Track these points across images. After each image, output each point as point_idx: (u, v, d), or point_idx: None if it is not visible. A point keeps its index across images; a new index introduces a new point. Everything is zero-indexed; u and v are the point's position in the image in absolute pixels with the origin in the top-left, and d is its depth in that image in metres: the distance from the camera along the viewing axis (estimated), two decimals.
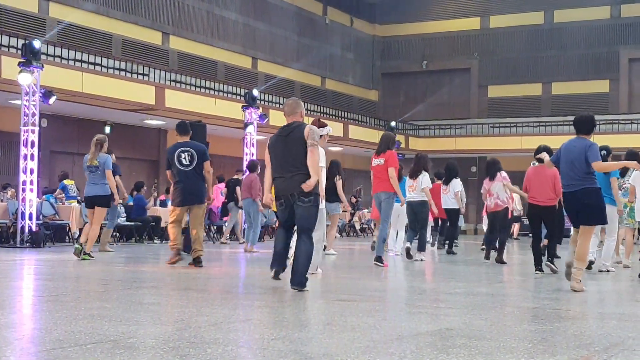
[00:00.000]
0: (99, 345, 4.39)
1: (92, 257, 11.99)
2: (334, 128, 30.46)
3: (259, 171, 15.68)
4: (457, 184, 16.16)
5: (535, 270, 10.66)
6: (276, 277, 8.00)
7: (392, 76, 39.66)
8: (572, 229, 8.63)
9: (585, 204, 8.22)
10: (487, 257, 13.28)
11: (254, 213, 15.46)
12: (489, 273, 11.43)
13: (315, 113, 30.18)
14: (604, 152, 10.49)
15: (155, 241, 18.52)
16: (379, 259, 11.42)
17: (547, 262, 10.83)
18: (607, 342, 4.89)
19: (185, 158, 10.79)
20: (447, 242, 16.03)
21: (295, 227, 7.74)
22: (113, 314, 5.65)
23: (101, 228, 13.30)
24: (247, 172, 16.12)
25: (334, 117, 31.32)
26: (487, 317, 6.05)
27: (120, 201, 14.09)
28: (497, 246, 13.09)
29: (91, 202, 12.16)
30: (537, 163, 11.01)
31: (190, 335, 4.80)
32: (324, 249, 15.01)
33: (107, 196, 12.15)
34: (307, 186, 7.39)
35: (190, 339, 4.66)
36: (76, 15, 23.96)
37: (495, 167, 13.39)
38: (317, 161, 7.48)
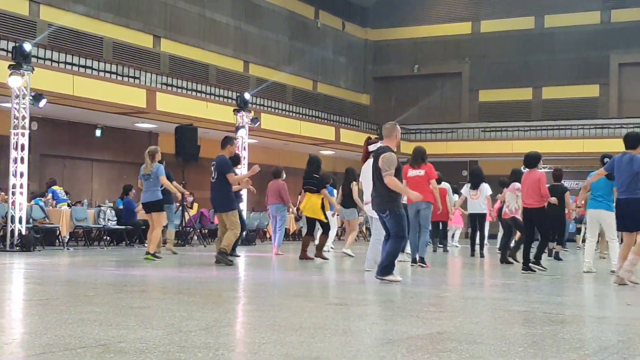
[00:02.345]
0: (89, 349, 4.37)
1: (160, 257, 13.21)
2: (325, 132, 30.82)
3: (284, 177, 15.98)
4: (487, 188, 16.27)
5: (522, 270, 11.21)
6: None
7: (384, 80, 39.70)
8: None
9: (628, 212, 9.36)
10: (503, 260, 13.50)
11: (284, 218, 15.91)
12: (480, 276, 11.46)
13: (307, 117, 30.24)
14: (607, 159, 10.66)
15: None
16: (422, 259, 12.25)
17: (532, 264, 11.10)
18: (597, 345, 4.90)
19: (213, 171, 12.48)
20: (476, 245, 16.49)
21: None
22: (103, 318, 5.63)
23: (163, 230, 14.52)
24: (273, 179, 15.98)
25: (325, 121, 31.33)
26: (478, 320, 6.06)
27: (179, 201, 15.59)
28: (511, 248, 13.94)
29: (147, 208, 13.36)
30: (527, 169, 11.44)
31: (181, 339, 4.79)
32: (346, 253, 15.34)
33: (158, 200, 13.22)
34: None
35: (180, 343, 4.64)
36: (67, 18, 23.90)
37: (514, 176, 13.92)
38: (398, 185, 9.07)
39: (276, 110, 28.69)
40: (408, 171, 12.37)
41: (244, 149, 22.03)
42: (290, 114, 29.40)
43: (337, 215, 16.87)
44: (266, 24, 32.62)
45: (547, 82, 36.59)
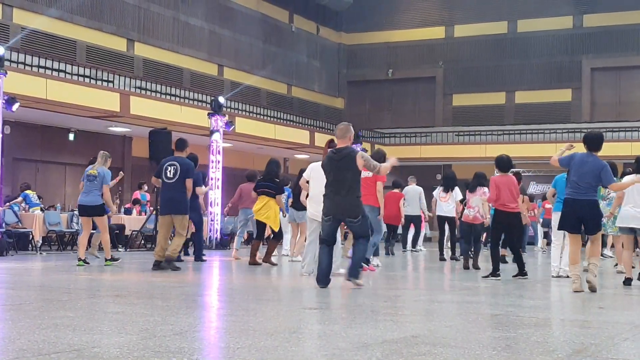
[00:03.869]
0: (62, 354, 4.35)
1: (117, 259, 13.08)
2: (300, 136, 30.83)
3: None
4: (459, 192, 16.24)
5: (495, 276, 11.02)
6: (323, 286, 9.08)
7: (358, 84, 39.79)
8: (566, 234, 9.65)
9: (590, 214, 8.98)
10: (467, 266, 13.47)
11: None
12: (453, 280, 11.51)
13: (281, 121, 30.22)
14: None
15: (119, 249, 18.34)
16: (367, 260, 11.79)
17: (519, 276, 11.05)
18: (569, 348, 4.95)
19: (170, 171, 11.73)
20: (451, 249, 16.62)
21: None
22: (77, 323, 5.59)
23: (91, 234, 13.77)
24: (247, 182, 15.42)
25: (300, 125, 31.34)
26: (452, 324, 6.10)
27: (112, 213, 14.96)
28: (473, 254, 13.70)
29: (85, 211, 12.76)
30: (501, 172, 11.42)
31: (155, 344, 4.77)
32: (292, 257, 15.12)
33: (99, 205, 12.70)
34: None
35: (155, 348, 4.63)
36: (40, 21, 23.71)
37: (478, 180, 13.72)
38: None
39: (250, 114, 28.66)
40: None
41: (218, 153, 21.97)
42: (265, 117, 29.38)
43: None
44: (240, 28, 32.57)
45: (519, 87, 36.89)
